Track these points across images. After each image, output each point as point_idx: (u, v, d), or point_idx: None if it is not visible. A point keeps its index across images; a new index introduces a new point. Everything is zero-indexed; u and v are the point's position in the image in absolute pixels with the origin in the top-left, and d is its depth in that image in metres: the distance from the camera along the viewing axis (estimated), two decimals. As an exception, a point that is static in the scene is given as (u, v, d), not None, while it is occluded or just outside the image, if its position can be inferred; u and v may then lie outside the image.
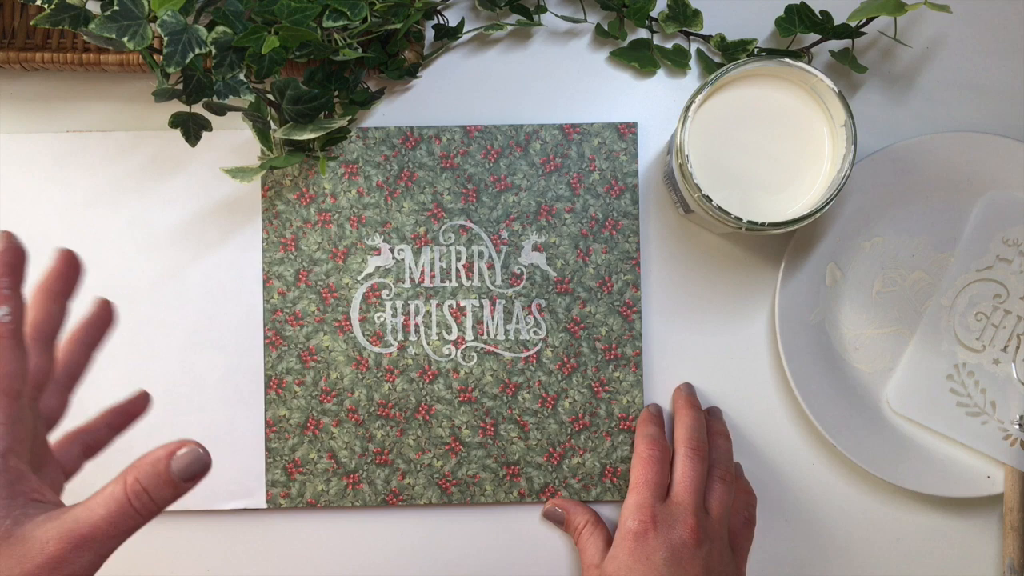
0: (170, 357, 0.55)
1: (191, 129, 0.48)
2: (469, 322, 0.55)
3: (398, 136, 0.56)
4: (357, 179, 0.56)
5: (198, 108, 0.47)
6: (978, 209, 0.55)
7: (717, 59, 0.56)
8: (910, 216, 0.55)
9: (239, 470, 0.55)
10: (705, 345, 0.56)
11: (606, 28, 0.56)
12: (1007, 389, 0.54)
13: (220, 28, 0.45)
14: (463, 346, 0.55)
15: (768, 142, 0.49)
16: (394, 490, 0.55)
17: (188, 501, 0.54)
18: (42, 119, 0.56)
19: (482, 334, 0.55)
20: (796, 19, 0.53)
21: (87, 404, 0.42)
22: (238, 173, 0.51)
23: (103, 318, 0.42)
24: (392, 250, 0.55)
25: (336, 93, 0.53)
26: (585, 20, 0.57)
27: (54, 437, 0.40)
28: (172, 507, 0.56)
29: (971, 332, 0.54)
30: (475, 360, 0.55)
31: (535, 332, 0.55)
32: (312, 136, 0.49)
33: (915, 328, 0.55)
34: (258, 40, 0.45)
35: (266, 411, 0.55)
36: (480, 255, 0.55)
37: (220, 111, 0.48)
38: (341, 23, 0.48)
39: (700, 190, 0.46)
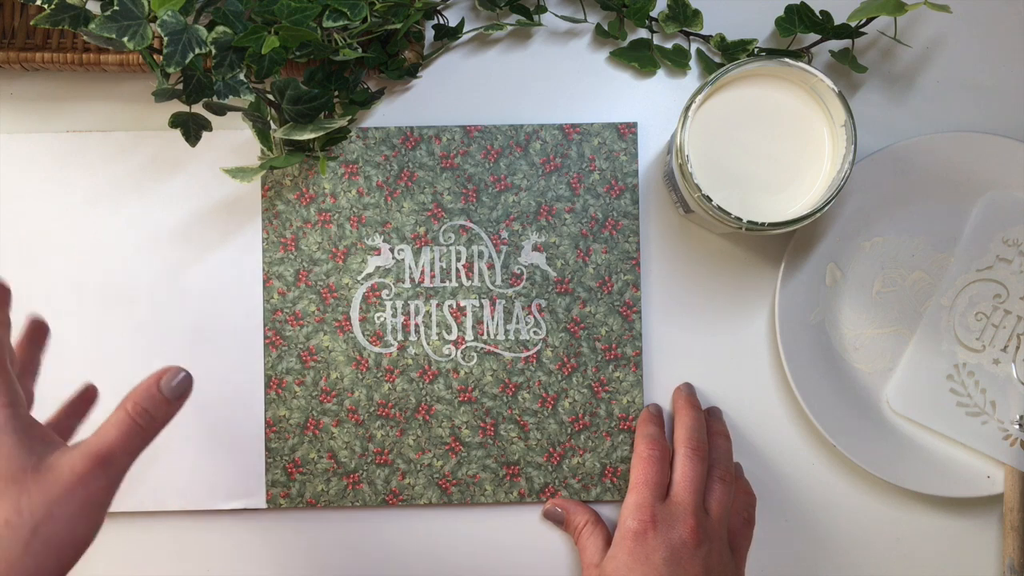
0: (170, 357, 0.55)
1: (191, 129, 0.48)
2: (469, 322, 0.55)
3: (398, 136, 0.56)
4: (357, 179, 0.56)
5: (198, 108, 0.47)
6: (978, 209, 0.55)
7: (717, 59, 0.56)
8: (910, 216, 0.55)
9: (239, 470, 0.55)
10: (705, 345, 0.56)
11: (606, 28, 0.56)
12: (1007, 389, 0.54)
13: (220, 28, 0.45)
14: (463, 346, 0.55)
15: (768, 142, 0.49)
16: (394, 490, 0.55)
17: (188, 501, 0.55)
18: (42, 119, 0.56)
19: (482, 334, 0.55)
20: (796, 19, 0.53)
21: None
22: (238, 173, 0.51)
23: (40, 328, 0.49)
24: (392, 250, 0.55)
25: (336, 93, 0.53)
26: (585, 20, 0.57)
27: None
28: (172, 507, 0.57)
29: (971, 332, 0.54)
30: (475, 360, 0.55)
31: (535, 332, 0.55)
32: (312, 136, 0.49)
33: (915, 328, 0.55)
34: (258, 40, 0.45)
35: (266, 411, 0.55)
36: (480, 255, 0.55)
37: (220, 111, 0.48)
38: (341, 23, 0.48)
39: (700, 190, 0.46)
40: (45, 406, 0.47)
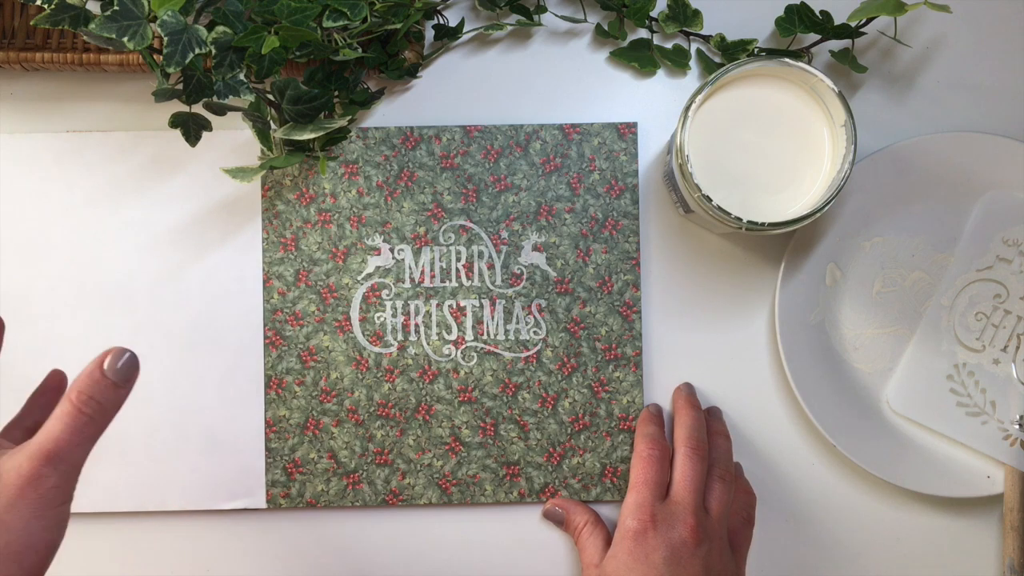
0: (170, 357, 0.55)
1: (191, 129, 0.48)
2: (469, 322, 0.55)
3: (398, 136, 0.56)
4: (357, 179, 0.56)
5: (198, 108, 0.47)
6: (978, 209, 0.55)
7: (717, 59, 0.56)
8: (910, 216, 0.55)
9: (239, 470, 0.55)
10: (705, 345, 0.56)
11: (606, 28, 0.56)
12: (1007, 389, 0.54)
13: (220, 28, 0.45)
14: (463, 346, 0.55)
15: (768, 142, 0.49)
16: (394, 490, 0.55)
17: (188, 501, 0.55)
18: (42, 119, 0.56)
19: (482, 334, 0.55)
20: (796, 19, 0.53)
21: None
22: (238, 173, 0.50)
23: None
24: (392, 250, 0.55)
25: (336, 93, 0.53)
26: (585, 20, 0.57)
27: None
28: (172, 507, 0.57)
29: (971, 332, 0.54)
30: (475, 360, 0.55)
31: (535, 332, 0.55)
32: (312, 136, 0.49)
33: (915, 328, 0.55)
34: (258, 40, 0.45)
35: (266, 411, 0.55)
36: (480, 255, 0.55)
37: (220, 111, 0.48)
38: (341, 23, 0.48)
39: (700, 190, 0.46)
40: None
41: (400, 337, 0.55)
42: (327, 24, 0.48)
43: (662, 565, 0.47)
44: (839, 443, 0.53)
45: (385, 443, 0.55)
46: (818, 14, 0.53)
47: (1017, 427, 0.53)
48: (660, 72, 0.57)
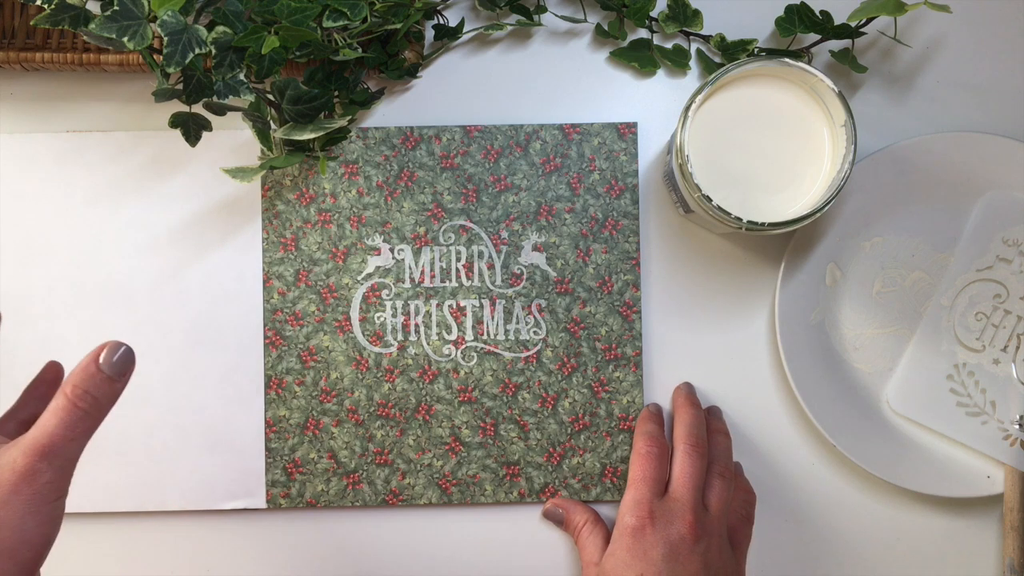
0: (170, 357, 0.55)
1: (191, 129, 0.48)
2: (469, 322, 0.55)
3: (398, 136, 0.56)
4: (357, 179, 0.56)
5: (198, 108, 0.47)
6: (978, 209, 0.55)
7: (717, 59, 0.56)
8: (910, 216, 0.55)
9: (239, 470, 0.55)
10: (705, 345, 0.56)
11: (606, 28, 0.56)
12: (1007, 389, 0.54)
13: (220, 28, 0.45)
14: (463, 346, 0.55)
15: (768, 142, 0.49)
16: (394, 490, 0.55)
17: (188, 501, 0.55)
18: (42, 119, 0.56)
19: (482, 334, 0.55)
20: (796, 19, 0.53)
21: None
22: (238, 173, 0.50)
23: None
24: (392, 250, 0.55)
25: (336, 93, 0.53)
26: (585, 20, 0.57)
27: None
28: (172, 507, 0.57)
29: (971, 332, 0.54)
30: (475, 360, 0.55)
31: (535, 332, 0.55)
32: (312, 136, 0.49)
33: (915, 328, 0.55)
34: (258, 40, 0.45)
35: (266, 411, 0.55)
36: (480, 255, 0.55)
37: (220, 111, 0.48)
38: (341, 23, 0.48)
39: (700, 190, 0.46)
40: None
41: (400, 337, 0.55)
42: (327, 24, 0.48)
43: (661, 562, 0.47)
44: (839, 443, 0.53)
45: (385, 443, 0.55)
46: (818, 14, 0.53)
47: (1017, 427, 0.53)
48: (660, 72, 0.57)
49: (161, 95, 0.45)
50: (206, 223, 0.56)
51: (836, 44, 0.55)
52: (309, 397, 0.55)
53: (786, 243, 0.55)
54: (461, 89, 0.57)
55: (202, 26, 0.44)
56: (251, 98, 0.48)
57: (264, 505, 0.55)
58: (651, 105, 0.57)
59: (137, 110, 0.56)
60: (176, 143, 0.55)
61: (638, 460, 0.51)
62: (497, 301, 0.55)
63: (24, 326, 0.55)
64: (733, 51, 0.55)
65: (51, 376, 0.46)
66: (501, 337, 0.55)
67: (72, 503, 0.40)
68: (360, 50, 0.50)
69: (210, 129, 0.49)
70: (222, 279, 0.55)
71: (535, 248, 0.55)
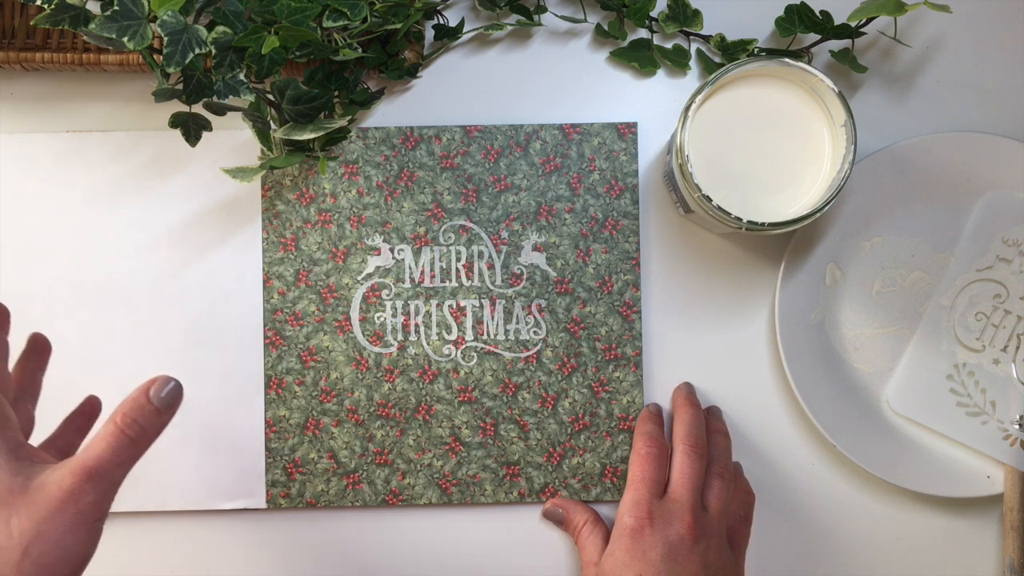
0: (170, 357, 0.55)
1: (191, 129, 0.48)
2: (469, 322, 0.55)
3: (398, 136, 0.56)
4: (357, 179, 0.56)
5: (198, 108, 0.47)
6: (978, 209, 0.55)
7: (717, 59, 0.56)
8: (910, 216, 0.55)
9: (239, 470, 0.55)
10: (705, 345, 0.56)
11: (606, 28, 0.56)
12: (1007, 389, 0.54)
13: (220, 28, 0.45)
14: (463, 346, 0.55)
15: (768, 142, 0.49)
16: (394, 490, 0.55)
17: (188, 501, 0.55)
18: (42, 119, 0.56)
19: (482, 334, 0.55)
20: (796, 19, 0.53)
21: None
22: (238, 173, 0.51)
23: (41, 345, 0.48)
24: (392, 250, 0.55)
25: (336, 93, 0.53)
26: (585, 20, 0.57)
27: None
28: (172, 507, 0.57)
29: (971, 332, 0.54)
30: (475, 360, 0.55)
31: (535, 332, 0.55)
32: (312, 136, 0.49)
33: (915, 328, 0.55)
34: (258, 40, 0.45)
35: (266, 411, 0.55)
36: (480, 255, 0.55)
37: (220, 111, 0.48)
38: (341, 23, 0.48)
39: (700, 190, 0.46)
40: (43, 408, 0.47)
41: (400, 337, 0.55)
42: (327, 24, 0.48)
43: (660, 562, 0.47)
44: (839, 443, 0.53)
45: (385, 443, 0.55)
46: (818, 14, 0.53)
47: (1017, 427, 0.53)
48: (660, 72, 0.57)
49: (161, 95, 0.45)
50: (206, 223, 0.56)
51: (836, 44, 0.55)
52: (309, 397, 0.55)
53: (786, 243, 0.55)
54: (461, 89, 0.57)
55: (202, 26, 0.44)
56: (251, 98, 0.48)
57: (264, 505, 0.55)
58: (651, 105, 0.57)
59: (137, 110, 0.56)
60: (176, 143, 0.55)
61: (638, 461, 0.51)
62: (497, 301, 0.55)
63: (24, 326, 0.55)
64: (733, 51, 0.55)
65: (88, 409, 0.49)
66: (501, 337, 0.55)
67: None
68: (360, 50, 0.50)
69: (210, 129, 0.49)
70: (222, 279, 0.56)
71: (535, 248, 0.55)
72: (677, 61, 0.56)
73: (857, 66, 0.54)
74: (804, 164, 0.49)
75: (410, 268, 0.55)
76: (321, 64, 0.52)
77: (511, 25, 0.56)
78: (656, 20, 0.56)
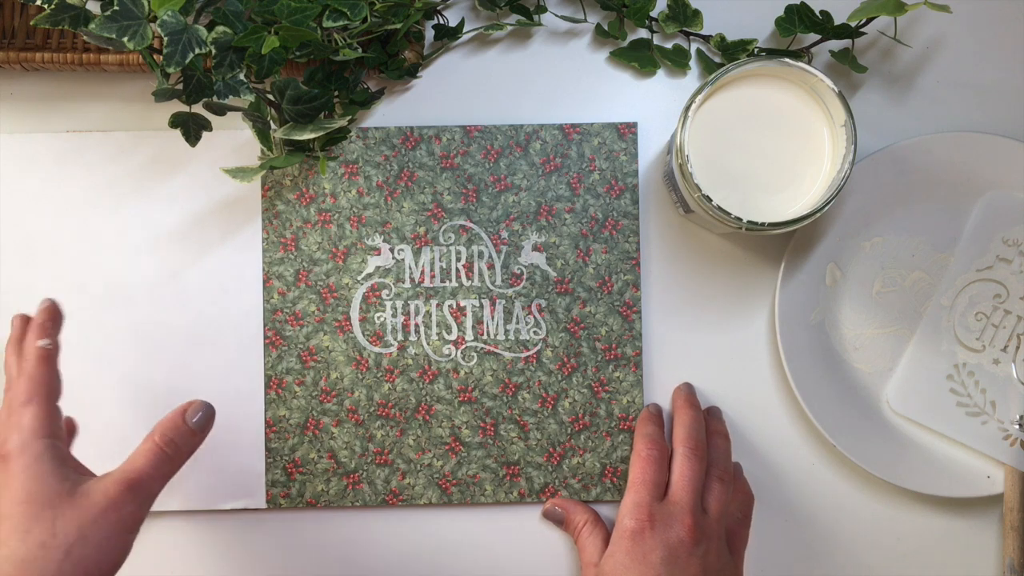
0: (170, 357, 0.55)
1: (191, 129, 0.48)
2: (469, 322, 0.55)
3: (398, 136, 0.56)
4: (357, 179, 0.56)
5: (198, 108, 0.47)
6: (978, 209, 0.55)
7: (717, 59, 0.56)
8: (910, 216, 0.55)
9: (239, 470, 0.55)
10: (705, 345, 0.56)
11: (606, 28, 0.56)
12: (1007, 389, 0.54)
13: (220, 28, 0.45)
14: (463, 346, 0.55)
15: (768, 142, 0.49)
16: (394, 490, 0.55)
17: (188, 501, 0.55)
18: (42, 119, 0.56)
19: (482, 334, 0.55)
20: (796, 19, 0.53)
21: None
22: (238, 173, 0.51)
23: (51, 315, 0.48)
24: (392, 250, 0.55)
25: (336, 93, 0.53)
26: (585, 20, 0.57)
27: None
28: (172, 507, 0.57)
29: (971, 332, 0.54)
30: (475, 360, 0.55)
31: (535, 332, 0.55)
32: (312, 136, 0.49)
33: (915, 328, 0.55)
34: (258, 40, 0.45)
35: (266, 411, 0.55)
36: (480, 255, 0.55)
37: (220, 111, 0.48)
38: (341, 23, 0.48)
39: (700, 190, 0.46)
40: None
41: (400, 337, 0.55)
42: (327, 24, 0.48)
43: (660, 565, 0.47)
44: (839, 443, 0.53)
45: (385, 443, 0.55)
46: (818, 14, 0.53)
47: (1017, 427, 0.53)
48: (660, 72, 0.57)
49: (161, 95, 0.45)
50: (206, 223, 0.56)
51: (836, 44, 0.55)
52: (309, 397, 0.55)
53: (786, 243, 0.55)
54: (461, 89, 0.57)
55: (202, 26, 0.44)
56: (251, 98, 0.48)
57: (264, 505, 0.55)
58: (651, 105, 0.57)
59: (137, 110, 0.56)
60: (176, 143, 0.55)
61: (638, 462, 0.51)
62: (497, 301, 0.55)
63: (24, 326, 0.55)
64: (733, 51, 0.55)
65: (68, 429, 0.51)
66: (501, 337, 0.55)
67: None
68: (360, 50, 0.50)
69: (210, 129, 0.49)
70: (222, 279, 0.56)
71: (535, 248, 0.55)
72: (677, 61, 0.56)
73: (857, 66, 0.54)
74: (804, 164, 0.49)
75: (410, 268, 0.55)
76: (321, 64, 0.52)
77: (511, 25, 0.56)
78: (656, 20, 0.56)
